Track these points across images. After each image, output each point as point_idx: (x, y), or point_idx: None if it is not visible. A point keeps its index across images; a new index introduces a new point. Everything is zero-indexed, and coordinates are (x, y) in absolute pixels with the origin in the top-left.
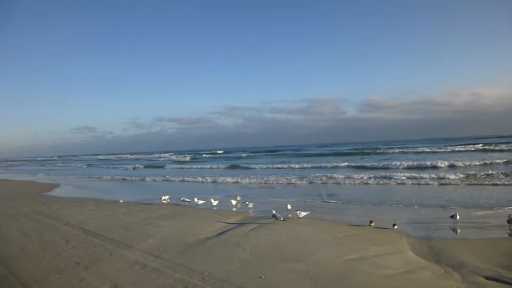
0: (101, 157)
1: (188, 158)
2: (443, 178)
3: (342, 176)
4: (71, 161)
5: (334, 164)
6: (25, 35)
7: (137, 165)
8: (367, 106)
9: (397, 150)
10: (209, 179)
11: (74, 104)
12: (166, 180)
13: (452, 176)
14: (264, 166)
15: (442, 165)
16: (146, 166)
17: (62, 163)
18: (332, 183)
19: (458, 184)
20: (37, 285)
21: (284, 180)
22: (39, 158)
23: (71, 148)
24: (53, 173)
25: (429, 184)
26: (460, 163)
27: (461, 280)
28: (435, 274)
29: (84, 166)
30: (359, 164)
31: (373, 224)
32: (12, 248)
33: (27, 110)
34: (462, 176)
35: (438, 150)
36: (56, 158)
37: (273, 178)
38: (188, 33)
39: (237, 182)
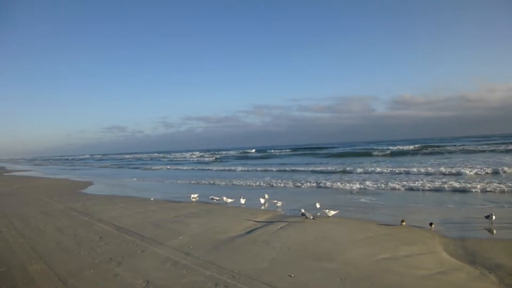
0: (128, 156)
1: (213, 158)
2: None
3: (372, 177)
4: (93, 160)
5: (365, 165)
6: (59, 39)
7: (162, 166)
8: (397, 103)
9: (424, 150)
10: (239, 181)
11: (105, 104)
12: (194, 183)
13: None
14: (296, 169)
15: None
16: (171, 167)
17: (85, 163)
18: (362, 183)
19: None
20: (73, 279)
21: (312, 181)
22: (65, 157)
23: (102, 147)
24: (81, 173)
25: (465, 185)
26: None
27: (498, 283)
28: (470, 276)
29: (100, 166)
30: (386, 163)
31: (404, 223)
32: (49, 243)
33: (61, 111)
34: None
35: (475, 148)
36: (88, 156)
37: (302, 177)
38: (216, 32)
39: (265, 184)
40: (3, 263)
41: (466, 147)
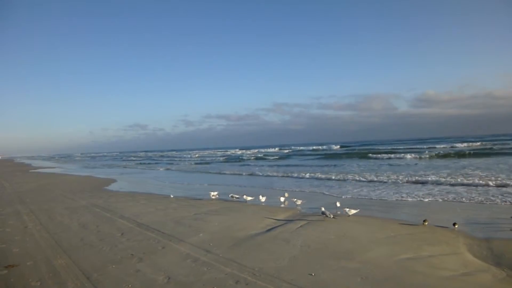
0: (142, 154)
1: (222, 158)
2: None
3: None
4: (103, 159)
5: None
6: (80, 35)
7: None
8: (420, 101)
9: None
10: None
11: (127, 102)
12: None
13: None
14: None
15: None
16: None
17: (93, 162)
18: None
19: None
20: (97, 274)
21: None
22: (83, 155)
23: (124, 144)
24: (100, 171)
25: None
26: None
27: None
28: (496, 278)
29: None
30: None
31: (426, 223)
32: (72, 239)
33: (84, 108)
34: None
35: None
36: (104, 154)
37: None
38: (238, 30)
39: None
40: (29, 257)
41: None
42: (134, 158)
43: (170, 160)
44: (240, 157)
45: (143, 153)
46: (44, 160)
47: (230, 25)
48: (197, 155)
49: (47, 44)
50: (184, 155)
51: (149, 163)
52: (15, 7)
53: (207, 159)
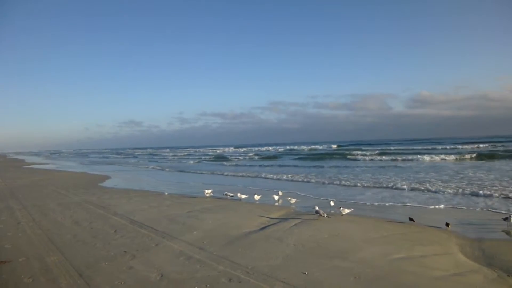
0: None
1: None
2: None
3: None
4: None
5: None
6: (78, 36)
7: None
8: (415, 102)
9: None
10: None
11: (122, 98)
12: None
13: None
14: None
15: None
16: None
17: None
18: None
19: None
20: (89, 271)
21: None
22: (75, 151)
23: (118, 141)
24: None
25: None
26: None
27: None
28: (487, 279)
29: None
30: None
31: (414, 222)
32: (65, 235)
33: (79, 104)
34: None
35: None
36: (95, 150)
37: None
38: (234, 29)
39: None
40: (22, 253)
41: None
42: (113, 156)
43: (151, 157)
44: (223, 155)
45: (132, 150)
46: (32, 156)
47: (227, 23)
48: (184, 153)
49: (43, 42)
50: (164, 154)
51: (137, 162)
52: (13, 5)
53: (191, 157)
